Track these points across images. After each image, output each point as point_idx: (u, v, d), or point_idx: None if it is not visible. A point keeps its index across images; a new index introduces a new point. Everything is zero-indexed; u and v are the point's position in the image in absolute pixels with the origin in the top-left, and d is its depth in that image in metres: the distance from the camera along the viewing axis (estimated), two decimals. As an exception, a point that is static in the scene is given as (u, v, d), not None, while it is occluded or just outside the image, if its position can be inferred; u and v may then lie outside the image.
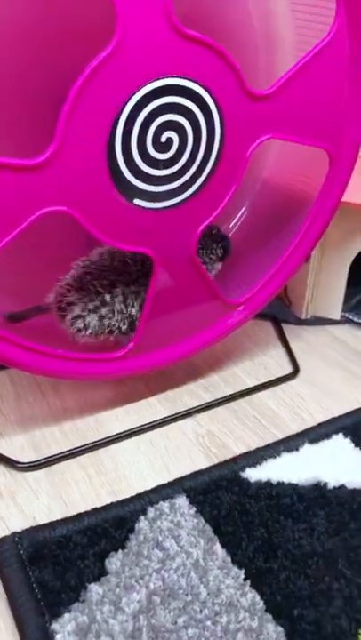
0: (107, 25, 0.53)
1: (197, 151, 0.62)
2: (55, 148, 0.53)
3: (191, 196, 0.63)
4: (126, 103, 0.56)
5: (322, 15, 0.66)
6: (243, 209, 0.79)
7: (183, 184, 0.62)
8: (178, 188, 0.62)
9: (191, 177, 0.62)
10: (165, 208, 0.62)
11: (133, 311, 0.68)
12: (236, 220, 0.79)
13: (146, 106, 0.57)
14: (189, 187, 0.63)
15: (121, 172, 0.58)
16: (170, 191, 0.62)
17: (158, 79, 0.57)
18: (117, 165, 0.58)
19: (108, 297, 0.67)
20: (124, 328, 0.68)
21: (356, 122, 0.70)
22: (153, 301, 0.67)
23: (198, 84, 0.59)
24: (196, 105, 0.60)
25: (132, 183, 0.59)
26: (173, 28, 0.55)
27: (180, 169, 0.61)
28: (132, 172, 0.59)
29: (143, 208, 0.61)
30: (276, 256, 0.74)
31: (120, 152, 0.58)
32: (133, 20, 0.53)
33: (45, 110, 0.56)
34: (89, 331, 0.67)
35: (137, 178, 0.60)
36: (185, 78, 0.58)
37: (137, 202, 0.60)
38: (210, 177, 0.63)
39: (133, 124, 0.57)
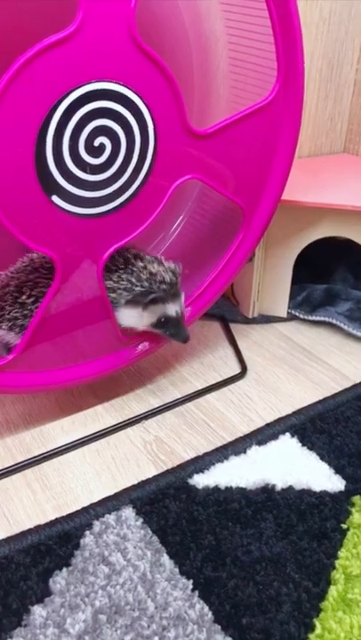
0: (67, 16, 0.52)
1: (126, 168, 0.61)
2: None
3: (109, 212, 0.62)
4: (67, 95, 0.54)
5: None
6: (183, 213, 0.78)
7: (105, 196, 0.61)
8: (99, 198, 0.61)
9: (114, 192, 0.61)
10: (82, 216, 0.60)
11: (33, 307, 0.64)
12: (177, 223, 0.78)
13: (86, 104, 0.56)
14: (110, 201, 0.61)
15: (47, 165, 0.56)
16: (91, 199, 0.60)
17: (105, 81, 0.56)
18: (44, 157, 0.56)
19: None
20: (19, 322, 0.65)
21: (277, 185, 0.72)
22: (50, 315, 0.64)
23: (143, 102, 0.58)
24: (137, 122, 0.59)
25: (54, 179, 0.57)
26: (131, 37, 0.55)
27: (105, 179, 0.60)
28: (57, 167, 0.57)
29: (60, 208, 0.59)
30: (216, 261, 0.74)
31: (50, 145, 0.56)
32: (94, 16, 0.52)
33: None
34: None
35: (61, 175, 0.58)
36: (132, 90, 0.57)
37: (55, 199, 0.58)
38: (132, 198, 0.62)
39: (70, 120, 0.56)
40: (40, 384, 0.68)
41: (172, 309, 0.68)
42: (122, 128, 0.59)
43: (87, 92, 0.55)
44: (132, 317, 0.68)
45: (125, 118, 0.59)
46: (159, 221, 0.67)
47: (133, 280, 0.66)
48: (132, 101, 0.58)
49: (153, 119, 0.60)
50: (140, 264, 0.66)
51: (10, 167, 0.55)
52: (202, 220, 0.78)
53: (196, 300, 0.75)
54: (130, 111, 0.58)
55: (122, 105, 0.58)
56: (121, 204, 0.62)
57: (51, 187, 0.58)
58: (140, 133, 0.60)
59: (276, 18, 0.62)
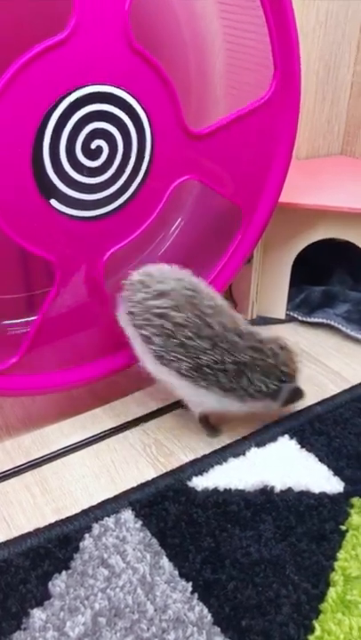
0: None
1: (123, 169, 0.61)
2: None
3: (108, 214, 0.62)
4: (64, 98, 0.55)
5: (257, 79, 0.68)
6: (181, 215, 0.78)
7: (103, 199, 0.61)
8: (97, 200, 0.61)
9: (112, 194, 0.61)
10: (81, 218, 0.61)
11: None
12: (175, 225, 0.78)
13: (83, 107, 0.56)
14: (109, 203, 0.62)
15: (44, 167, 0.57)
16: (90, 202, 0.60)
17: (101, 84, 0.56)
18: (42, 160, 0.56)
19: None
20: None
21: (275, 186, 0.71)
22: (52, 318, 0.64)
23: (140, 104, 0.58)
24: (134, 124, 0.60)
25: (52, 182, 0.58)
26: (125, 39, 0.55)
27: (103, 182, 0.60)
28: (55, 171, 0.57)
29: (58, 212, 0.59)
30: (214, 262, 0.74)
31: (47, 148, 0.56)
32: (89, 19, 0.53)
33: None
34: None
35: (59, 178, 0.58)
36: (129, 93, 0.57)
37: (53, 203, 0.58)
38: (131, 200, 0.63)
39: (66, 123, 0.56)
40: (42, 387, 0.69)
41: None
42: (118, 130, 0.59)
43: (83, 96, 0.56)
44: (264, 407, 0.67)
45: (122, 121, 0.59)
46: (158, 223, 0.68)
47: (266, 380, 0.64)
48: (129, 104, 0.58)
49: (150, 121, 0.60)
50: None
51: (7, 171, 0.55)
52: (200, 222, 0.78)
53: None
54: (126, 113, 0.59)
55: (118, 107, 0.58)
56: (120, 206, 0.62)
57: (49, 190, 0.58)
58: (137, 135, 0.60)
59: (271, 15, 0.62)
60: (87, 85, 0.55)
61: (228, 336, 0.63)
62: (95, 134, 0.58)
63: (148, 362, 0.66)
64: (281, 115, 0.68)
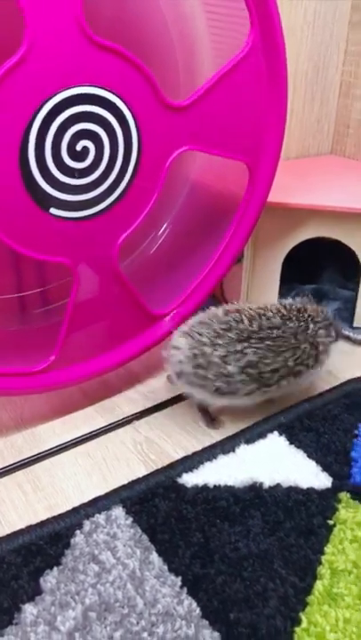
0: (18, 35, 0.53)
1: (115, 160, 0.61)
2: None
3: (111, 205, 0.63)
4: (37, 112, 0.55)
5: (238, 27, 0.67)
6: (169, 219, 0.79)
7: (102, 193, 0.62)
8: (96, 197, 0.62)
9: (110, 186, 0.62)
10: (84, 218, 0.61)
11: (231, 368, 0.66)
12: (162, 229, 0.79)
13: (59, 115, 0.57)
14: (108, 196, 0.62)
15: (36, 181, 0.57)
16: (88, 200, 0.61)
17: (71, 88, 0.56)
18: (32, 175, 0.57)
19: (208, 349, 0.66)
20: (219, 385, 0.67)
21: (275, 134, 0.71)
22: (76, 313, 0.66)
23: (113, 93, 0.58)
24: (112, 114, 0.60)
25: (48, 193, 0.59)
26: (85, 37, 0.55)
27: (97, 178, 0.61)
28: (47, 181, 0.58)
29: (61, 218, 0.60)
30: (204, 262, 0.75)
31: (34, 162, 0.57)
32: (43, 29, 0.53)
33: None
34: (184, 379, 0.68)
35: (53, 187, 0.59)
36: (99, 87, 0.58)
37: (53, 211, 0.59)
38: (129, 186, 0.63)
39: (46, 134, 0.57)
40: (79, 376, 0.72)
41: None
42: (101, 127, 0.59)
43: (58, 103, 0.56)
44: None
45: (101, 116, 0.59)
46: (148, 222, 0.68)
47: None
48: (103, 97, 0.58)
49: (128, 107, 0.59)
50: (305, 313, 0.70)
51: (5, 194, 0.56)
52: (190, 221, 0.79)
53: (186, 300, 0.76)
54: (104, 108, 0.59)
55: (95, 105, 0.58)
56: (121, 194, 0.63)
57: (46, 201, 0.59)
58: (120, 124, 0.60)
59: None
60: (59, 92, 0.55)
61: (262, 334, 0.66)
62: (78, 136, 0.59)
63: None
64: (265, 65, 0.66)
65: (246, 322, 0.66)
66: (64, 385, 0.72)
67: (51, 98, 0.56)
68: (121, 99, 0.59)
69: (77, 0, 0.53)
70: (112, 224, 0.64)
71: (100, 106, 0.59)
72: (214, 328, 0.66)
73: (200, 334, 0.66)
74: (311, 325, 0.68)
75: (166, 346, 0.70)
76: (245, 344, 0.65)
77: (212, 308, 0.70)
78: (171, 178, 0.66)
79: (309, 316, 0.69)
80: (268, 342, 0.66)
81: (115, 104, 0.59)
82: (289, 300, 0.71)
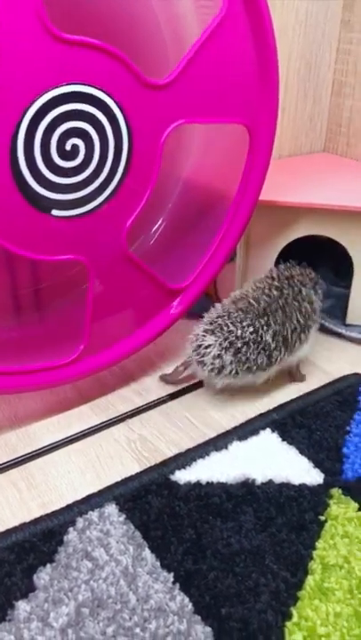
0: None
1: (107, 150, 0.61)
2: None
3: (110, 195, 0.63)
4: (21, 121, 0.55)
5: None
6: (164, 213, 0.79)
7: (99, 186, 0.62)
8: (94, 191, 0.62)
9: (106, 178, 0.62)
10: (87, 213, 0.61)
11: (267, 337, 0.72)
12: (157, 224, 0.79)
13: (42, 119, 0.56)
14: (106, 187, 0.62)
15: (31, 187, 0.58)
16: (87, 196, 0.61)
17: (49, 90, 0.56)
18: (26, 182, 0.57)
19: (239, 331, 0.70)
20: (260, 360, 0.72)
21: (270, 91, 0.70)
22: (97, 303, 0.67)
23: (91, 86, 0.58)
24: (95, 107, 0.59)
25: (45, 196, 0.59)
26: (50, 35, 0.54)
27: (92, 172, 0.61)
28: (42, 185, 0.58)
29: (64, 217, 0.60)
30: (198, 258, 0.75)
31: (26, 168, 0.57)
32: (5, 37, 0.52)
33: None
34: (227, 370, 0.71)
35: (49, 190, 0.59)
36: (76, 84, 0.57)
37: (55, 213, 0.59)
38: (126, 174, 0.63)
39: (34, 140, 0.56)
40: (105, 363, 0.75)
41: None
42: (85, 121, 0.59)
43: (41, 106, 0.56)
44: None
45: (84, 111, 0.58)
46: (140, 222, 0.69)
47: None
48: (84, 93, 0.58)
49: (110, 96, 0.59)
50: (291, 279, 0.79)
51: (2, 205, 0.57)
52: (183, 219, 0.79)
53: (180, 297, 0.76)
54: (86, 103, 0.58)
55: (77, 102, 0.58)
56: (120, 180, 0.63)
57: (45, 205, 0.59)
58: (105, 115, 0.59)
59: None
60: (37, 98, 0.55)
61: (273, 306, 0.74)
62: (65, 135, 0.58)
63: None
64: (248, 25, 0.65)
65: (254, 303, 0.74)
66: (97, 370, 0.76)
67: (31, 104, 0.55)
68: (102, 90, 0.58)
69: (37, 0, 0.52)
70: (116, 212, 0.64)
71: (81, 102, 0.57)
72: (233, 316, 0.72)
73: (223, 325, 0.71)
74: (303, 288, 0.78)
75: (189, 357, 0.74)
76: (266, 318, 0.72)
77: (217, 305, 0.75)
78: (163, 175, 0.66)
79: (298, 280, 0.79)
80: (279, 311, 0.74)
81: (96, 97, 0.58)
82: (275, 271, 0.80)
